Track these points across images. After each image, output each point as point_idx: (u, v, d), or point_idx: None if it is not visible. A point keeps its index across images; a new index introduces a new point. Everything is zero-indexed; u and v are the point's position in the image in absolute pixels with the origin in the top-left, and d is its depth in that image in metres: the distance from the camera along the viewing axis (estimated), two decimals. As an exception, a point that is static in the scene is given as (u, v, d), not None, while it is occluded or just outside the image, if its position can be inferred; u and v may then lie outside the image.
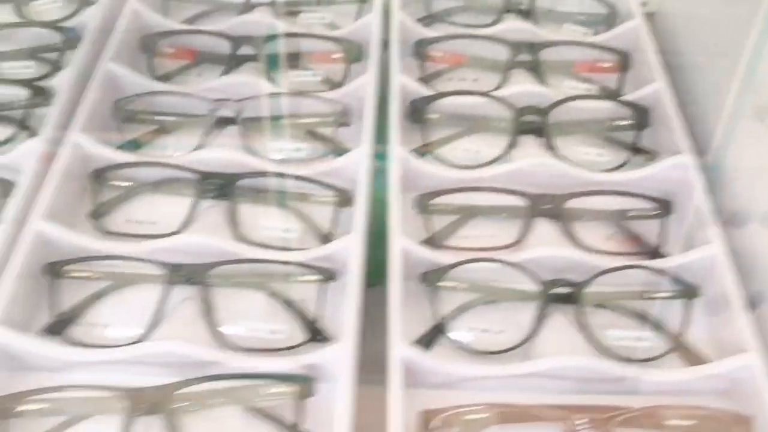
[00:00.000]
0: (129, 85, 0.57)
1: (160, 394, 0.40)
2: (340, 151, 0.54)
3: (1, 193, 0.50)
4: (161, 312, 0.45)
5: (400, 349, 0.42)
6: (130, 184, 0.52)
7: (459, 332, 0.46)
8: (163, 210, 0.51)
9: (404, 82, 0.56)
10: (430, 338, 0.46)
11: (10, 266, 0.45)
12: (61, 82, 0.56)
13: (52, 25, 0.61)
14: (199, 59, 0.62)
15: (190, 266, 0.46)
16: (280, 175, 0.51)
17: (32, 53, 0.61)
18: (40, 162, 0.50)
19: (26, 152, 0.51)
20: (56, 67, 0.59)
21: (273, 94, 0.56)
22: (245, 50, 0.60)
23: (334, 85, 0.60)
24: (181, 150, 0.54)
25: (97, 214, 0.51)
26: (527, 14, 0.65)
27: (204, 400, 0.41)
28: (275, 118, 0.55)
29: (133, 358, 0.43)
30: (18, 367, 0.43)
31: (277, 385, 0.41)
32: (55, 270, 0.46)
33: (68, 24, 0.62)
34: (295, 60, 0.61)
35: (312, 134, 0.55)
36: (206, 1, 0.66)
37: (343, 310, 0.46)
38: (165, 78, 0.60)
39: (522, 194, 0.51)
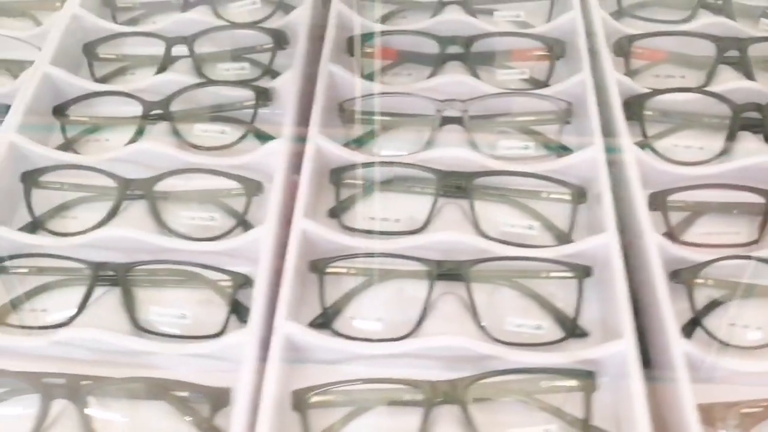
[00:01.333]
0: (345, 85, 0.59)
1: (455, 387, 0.42)
2: (562, 148, 0.55)
3: (250, 192, 0.52)
4: (428, 307, 0.47)
5: (680, 344, 0.43)
6: (364, 182, 0.54)
7: (719, 328, 0.47)
8: (403, 208, 0.53)
9: (620, 79, 0.57)
10: (685, 333, 0.47)
11: (287, 263, 0.47)
12: (285, 83, 0.58)
13: (261, 28, 0.62)
14: (402, 59, 0.63)
15: (451, 263, 0.48)
16: (518, 172, 0.52)
17: (238, 55, 0.63)
18: (287, 162, 0.52)
19: (270, 153, 0.53)
20: (267, 68, 0.61)
21: (498, 94, 0.57)
22: (451, 49, 0.61)
23: (538, 83, 0.61)
24: (405, 149, 0.55)
25: (338, 211, 0.53)
26: (719, 9, 0.65)
27: (494, 394, 0.43)
28: (499, 117, 0.56)
29: (412, 352, 0.45)
30: (298, 359, 0.45)
31: (563, 380, 0.42)
32: (320, 266, 0.48)
33: (268, 25, 0.64)
34: (498, 58, 0.62)
35: (535, 132, 0.56)
36: (394, 1, 0.68)
37: (590, 306, 0.48)
38: (369, 77, 0.62)
39: (758, 191, 0.51)
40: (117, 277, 0.47)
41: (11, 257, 0.49)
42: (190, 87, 0.57)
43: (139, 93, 0.58)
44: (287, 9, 0.66)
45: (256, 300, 0.45)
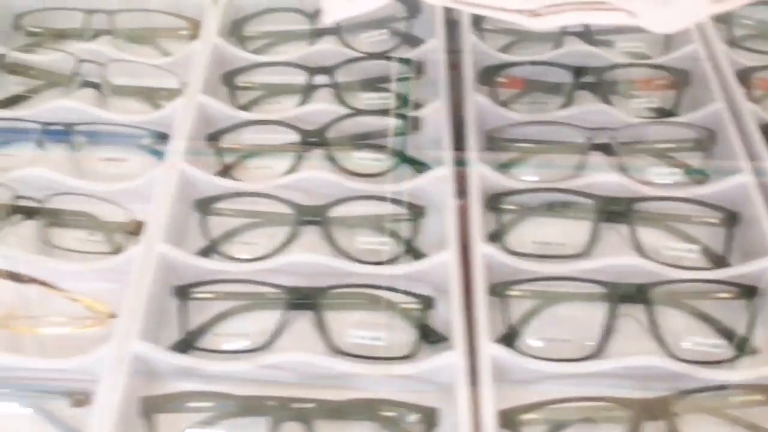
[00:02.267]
0: (487, 113, 0.61)
1: (664, 404, 0.44)
2: (702, 174, 0.58)
3: (415, 217, 0.54)
4: (610, 328, 0.49)
5: None
6: (522, 207, 0.56)
7: None
8: (562, 232, 0.55)
9: (753, 110, 0.60)
10: None
11: (477, 286, 0.48)
12: (433, 112, 0.60)
13: (400, 58, 0.64)
14: (530, 88, 0.65)
15: (629, 285, 0.50)
16: (676, 198, 0.55)
17: (374, 83, 0.65)
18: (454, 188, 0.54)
19: (435, 179, 0.55)
20: (406, 97, 0.63)
21: (645, 122, 0.60)
22: (581, 79, 0.64)
23: (666, 112, 0.63)
24: (551, 175, 0.58)
25: (499, 235, 0.55)
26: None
27: (695, 409, 0.45)
28: (640, 144, 0.59)
29: (602, 372, 0.47)
30: (502, 379, 0.47)
31: (759, 395, 0.45)
32: (502, 289, 0.50)
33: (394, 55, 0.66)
34: (625, 88, 0.65)
35: (676, 159, 0.59)
36: (515, 32, 0.70)
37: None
38: (502, 105, 0.64)
39: None
40: (311, 300, 0.49)
41: (202, 283, 0.50)
42: (344, 116, 0.59)
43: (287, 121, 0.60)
44: (412, 40, 0.68)
45: (456, 322, 0.47)
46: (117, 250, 0.53)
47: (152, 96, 0.65)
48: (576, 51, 0.66)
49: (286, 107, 0.63)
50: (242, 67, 0.65)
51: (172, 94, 0.63)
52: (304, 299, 0.49)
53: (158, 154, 0.59)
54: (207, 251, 0.53)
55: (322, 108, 0.61)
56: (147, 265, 0.49)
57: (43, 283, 0.47)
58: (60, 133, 0.60)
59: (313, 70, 0.64)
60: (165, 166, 0.55)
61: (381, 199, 0.54)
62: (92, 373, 0.46)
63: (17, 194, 0.55)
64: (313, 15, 0.69)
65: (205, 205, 0.54)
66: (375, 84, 0.65)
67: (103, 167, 0.59)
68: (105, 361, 0.45)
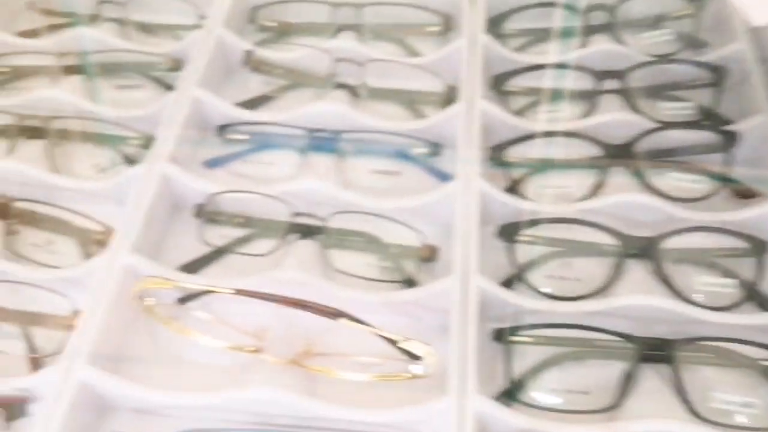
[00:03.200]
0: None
1: None
2: None
3: (757, 252, 0.46)
4: None
5: None
6: None
7: None
8: None
9: None
10: None
11: None
12: (752, 127, 0.51)
13: (701, 63, 0.56)
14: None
15: None
16: None
17: (659, 90, 0.56)
18: None
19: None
20: (710, 109, 0.55)
21: None
22: None
23: None
24: None
25: None
26: None
27: None
28: None
29: None
30: None
31: None
32: None
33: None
34: None
35: None
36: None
37: None
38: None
39: None
40: (665, 353, 0.41)
41: (525, 326, 0.43)
42: (653, 129, 0.51)
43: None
44: (697, 43, 0.59)
45: None
46: (407, 280, 0.47)
47: (413, 100, 0.58)
48: None
49: (569, 116, 0.55)
50: (514, 70, 0.57)
51: (435, 98, 0.57)
52: (657, 351, 0.41)
53: (432, 168, 0.52)
54: (508, 283, 0.46)
55: (618, 118, 0.53)
56: (466, 302, 0.42)
57: (354, 320, 0.41)
58: (323, 140, 0.54)
59: (602, 75, 0.55)
60: (460, 183, 0.48)
61: (719, 231, 0.46)
62: (411, 427, 0.40)
63: (295, 211, 0.49)
64: (585, 11, 0.61)
65: (510, 232, 0.47)
66: (668, 91, 0.56)
67: (373, 181, 0.53)
68: (441, 416, 0.38)
